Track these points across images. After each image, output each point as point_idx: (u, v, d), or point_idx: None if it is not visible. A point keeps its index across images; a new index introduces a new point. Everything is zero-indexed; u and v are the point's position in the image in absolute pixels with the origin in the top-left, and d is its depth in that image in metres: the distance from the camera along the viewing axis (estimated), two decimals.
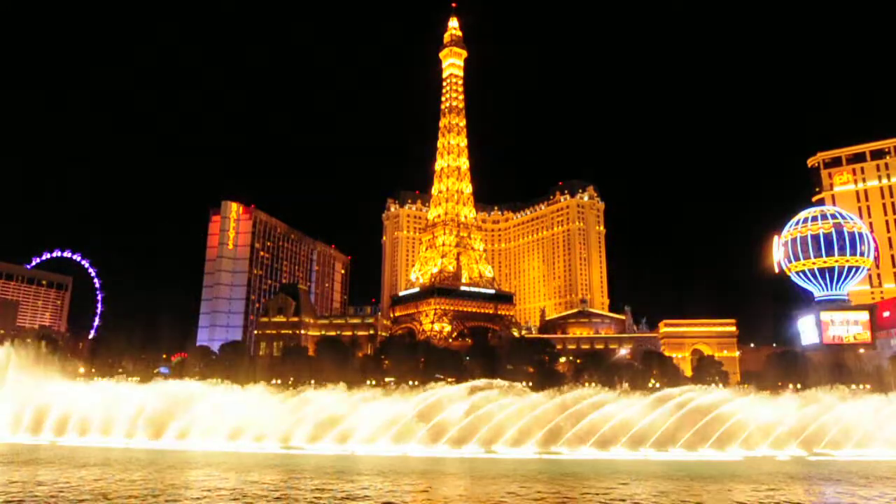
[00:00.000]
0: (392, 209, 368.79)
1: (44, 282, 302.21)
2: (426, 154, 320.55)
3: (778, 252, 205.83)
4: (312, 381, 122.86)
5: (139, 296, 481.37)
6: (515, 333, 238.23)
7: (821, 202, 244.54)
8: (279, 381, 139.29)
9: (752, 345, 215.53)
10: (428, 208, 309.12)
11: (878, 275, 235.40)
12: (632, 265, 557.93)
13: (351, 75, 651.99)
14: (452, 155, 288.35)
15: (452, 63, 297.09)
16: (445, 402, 67.63)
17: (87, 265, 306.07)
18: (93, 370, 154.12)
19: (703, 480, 43.79)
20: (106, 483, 37.16)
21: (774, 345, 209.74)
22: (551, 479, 43.44)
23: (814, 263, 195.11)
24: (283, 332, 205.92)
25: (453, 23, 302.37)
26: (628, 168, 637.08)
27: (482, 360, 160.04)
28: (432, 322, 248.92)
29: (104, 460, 48.51)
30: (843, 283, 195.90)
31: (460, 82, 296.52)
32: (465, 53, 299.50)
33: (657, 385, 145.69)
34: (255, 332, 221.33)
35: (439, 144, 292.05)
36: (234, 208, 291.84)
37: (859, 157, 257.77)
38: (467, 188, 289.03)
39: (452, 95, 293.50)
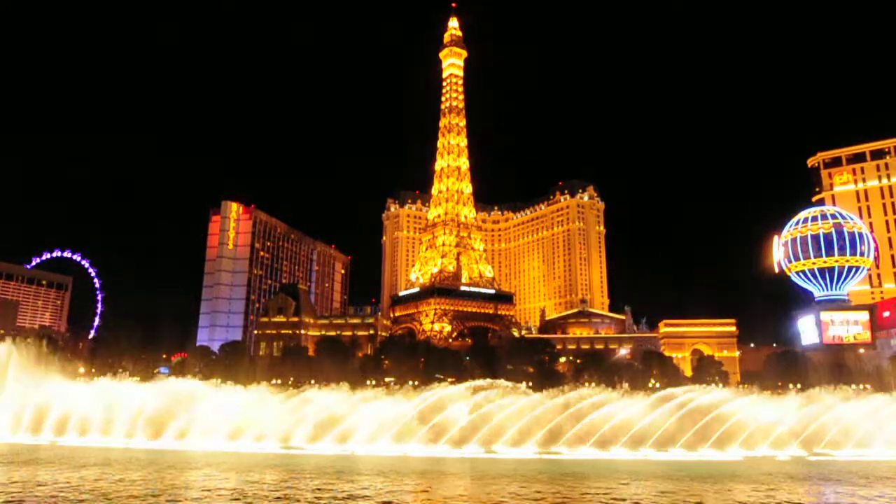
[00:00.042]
0: (392, 209, 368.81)
1: (44, 282, 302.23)
2: (426, 154, 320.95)
3: (778, 252, 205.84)
4: (312, 381, 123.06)
5: (139, 296, 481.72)
6: (515, 333, 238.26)
7: (821, 202, 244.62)
8: (279, 381, 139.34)
9: (752, 345, 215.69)
10: (428, 208, 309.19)
11: (878, 275, 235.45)
12: (632, 265, 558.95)
13: (351, 75, 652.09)
14: (452, 155, 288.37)
15: (452, 63, 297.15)
16: (447, 402, 67.58)
17: (87, 265, 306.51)
18: (93, 370, 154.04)
19: (703, 480, 43.79)
20: (106, 483, 37.15)
21: (774, 345, 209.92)
22: (551, 479, 43.43)
23: (814, 263, 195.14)
24: (283, 332, 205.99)
25: (453, 23, 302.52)
26: (628, 168, 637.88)
27: (482, 360, 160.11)
28: (432, 322, 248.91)
29: (104, 460, 48.50)
30: (843, 283, 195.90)
31: (460, 82, 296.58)
32: (465, 53, 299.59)
33: (657, 385, 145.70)
34: (255, 332, 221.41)
35: (439, 144, 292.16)
36: (234, 208, 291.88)
37: (859, 157, 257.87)
38: (467, 188, 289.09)
39: (452, 95, 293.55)
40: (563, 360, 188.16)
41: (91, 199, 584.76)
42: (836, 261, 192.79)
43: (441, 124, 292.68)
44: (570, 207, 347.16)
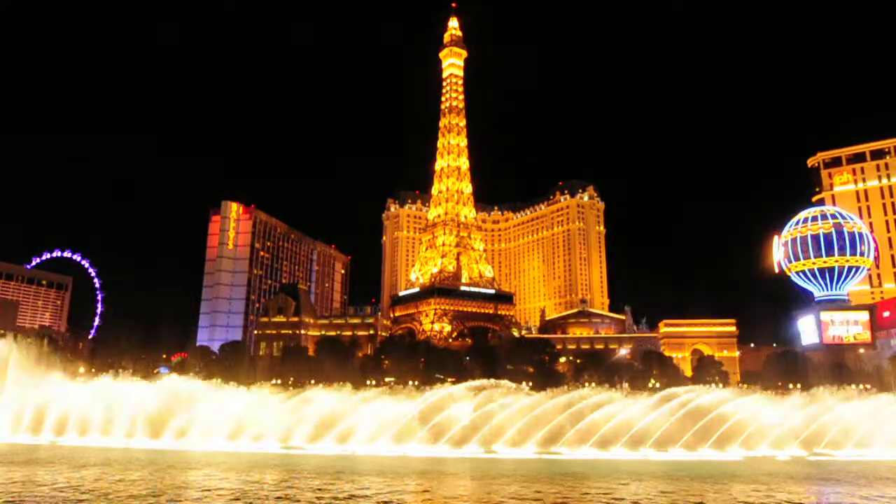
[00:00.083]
0: (392, 209, 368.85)
1: (44, 282, 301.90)
2: (426, 154, 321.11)
3: (778, 252, 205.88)
4: (312, 381, 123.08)
5: (139, 296, 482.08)
6: (515, 333, 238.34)
7: (821, 202, 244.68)
8: (279, 381, 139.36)
9: (752, 345, 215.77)
10: (428, 208, 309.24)
11: (878, 275, 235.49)
12: (632, 265, 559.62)
13: (351, 75, 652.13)
14: (452, 155, 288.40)
15: (452, 63, 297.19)
16: (450, 402, 67.52)
17: (87, 265, 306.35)
18: (93, 370, 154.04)
19: (704, 480, 43.76)
20: (106, 483, 37.13)
21: (774, 345, 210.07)
22: (551, 479, 43.41)
23: (814, 263, 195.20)
24: (283, 332, 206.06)
25: (453, 23, 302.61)
26: (628, 168, 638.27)
27: (482, 360, 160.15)
28: (432, 322, 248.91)
29: (104, 460, 48.47)
30: (843, 283, 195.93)
31: (460, 82, 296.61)
32: (465, 53, 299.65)
33: (657, 385, 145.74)
34: (255, 332, 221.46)
35: (439, 144, 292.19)
36: (234, 208, 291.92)
37: (859, 157, 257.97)
38: (467, 188, 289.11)
39: (452, 95, 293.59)
40: (563, 360, 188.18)
41: (91, 199, 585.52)
42: (836, 261, 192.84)
43: (441, 124, 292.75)
44: (570, 207, 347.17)
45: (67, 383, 74.30)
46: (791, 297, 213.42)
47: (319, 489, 36.53)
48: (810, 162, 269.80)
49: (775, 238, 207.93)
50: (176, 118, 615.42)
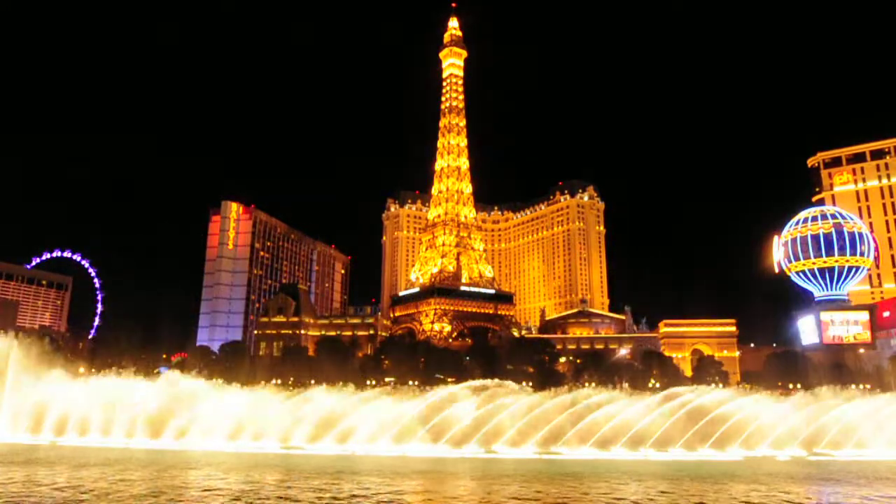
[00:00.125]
0: (392, 209, 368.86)
1: (44, 282, 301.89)
2: (426, 154, 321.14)
3: (778, 252, 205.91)
4: (312, 381, 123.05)
5: (139, 296, 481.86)
6: (515, 333, 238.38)
7: (821, 202, 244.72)
8: (279, 381, 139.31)
9: (752, 345, 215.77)
10: (428, 208, 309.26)
11: (878, 275, 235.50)
12: (632, 265, 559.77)
13: (351, 75, 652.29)
14: (452, 155, 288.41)
15: (452, 63, 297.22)
16: (452, 403, 67.53)
17: (87, 265, 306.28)
18: (93, 370, 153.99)
19: (704, 480, 43.77)
20: (106, 483, 37.12)
21: (774, 345, 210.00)
22: (551, 479, 43.43)
23: (814, 263, 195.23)
24: (283, 332, 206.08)
25: (453, 23, 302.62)
26: (628, 168, 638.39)
27: (482, 360, 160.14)
28: (432, 322, 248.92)
29: (104, 460, 48.47)
30: (843, 283, 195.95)
31: (460, 82, 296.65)
32: (465, 53, 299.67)
33: (657, 385, 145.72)
34: (255, 332, 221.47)
35: (439, 144, 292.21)
36: (234, 208, 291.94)
37: (859, 157, 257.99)
38: (467, 188, 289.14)
39: (452, 95, 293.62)
40: (563, 360, 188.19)
41: (91, 199, 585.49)
42: (836, 261, 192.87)
43: (441, 124, 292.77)
44: (570, 207, 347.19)
45: (68, 381, 74.14)
46: (791, 297, 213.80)
47: (320, 489, 36.53)
48: (810, 162, 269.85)
49: (775, 238, 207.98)
50: (176, 118, 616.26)
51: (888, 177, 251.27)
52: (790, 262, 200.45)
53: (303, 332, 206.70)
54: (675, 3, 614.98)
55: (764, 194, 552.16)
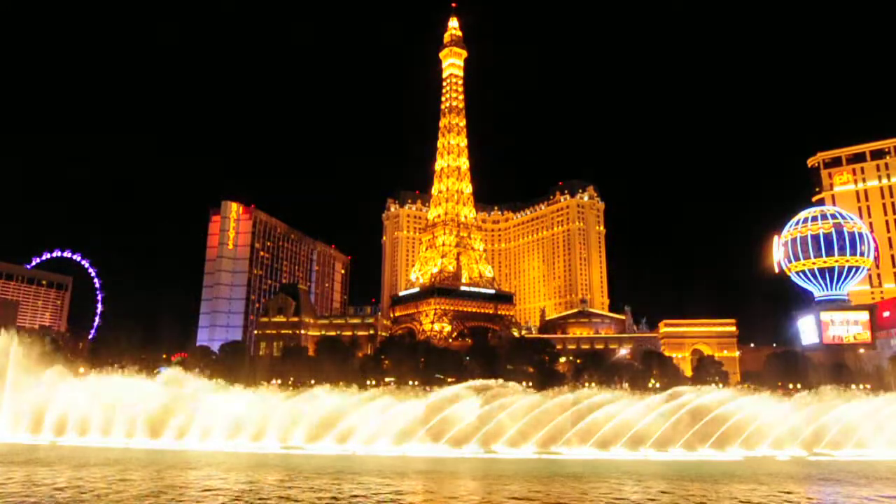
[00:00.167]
0: (392, 209, 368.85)
1: (44, 282, 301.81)
2: (426, 154, 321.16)
3: (778, 252, 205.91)
4: (312, 381, 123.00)
5: (139, 296, 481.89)
6: (515, 333, 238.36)
7: (821, 202, 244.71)
8: (279, 381, 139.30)
9: (752, 345, 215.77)
10: (428, 208, 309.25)
11: (878, 275, 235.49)
12: (632, 265, 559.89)
13: (351, 75, 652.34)
14: (452, 155, 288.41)
15: (452, 63, 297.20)
16: (454, 403, 67.53)
17: (87, 265, 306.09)
18: (93, 370, 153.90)
19: (704, 480, 43.78)
20: (106, 483, 37.12)
21: (774, 345, 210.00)
22: (551, 479, 43.43)
23: (814, 263, 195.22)
24: (283, 332, 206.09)
25: (453, 23, 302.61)
26: (628, 168, 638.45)
27: (482, 360, 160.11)
28: (432, 322, 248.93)
29: (104, 460, 48.47)
30: (843, 283, 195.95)
31: (460, 82, 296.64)
32: (465, 53, 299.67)
33: (657, 385, 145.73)
34: (255, 332, 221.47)
35: (439, 144, 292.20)
36: (234, 208, 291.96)
37: (859, 157, 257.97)
38: (467, 188, 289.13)
39: (452, 95, 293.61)
40: (563, 360, 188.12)
41: (91, 199, 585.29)
42: (836, 261, 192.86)
43: (441, 124, 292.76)
44: (570, 207, 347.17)
45: (68, 378, 74.07)
46: (791, 297, 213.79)
47: (320, 489, 36.53)
48: (810, 162, 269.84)
49: (775, 238, 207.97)
50: (176, 118, 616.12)
51: (888, 177, 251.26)
52: (790, 262, 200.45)
53: (303, 332, 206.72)
54: (675, 3, 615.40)
55: (764, 194, 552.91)
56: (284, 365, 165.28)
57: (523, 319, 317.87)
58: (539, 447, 62.99)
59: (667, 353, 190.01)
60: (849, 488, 40.75)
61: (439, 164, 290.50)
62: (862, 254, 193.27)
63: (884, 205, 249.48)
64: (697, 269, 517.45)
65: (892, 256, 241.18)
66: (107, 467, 44.35)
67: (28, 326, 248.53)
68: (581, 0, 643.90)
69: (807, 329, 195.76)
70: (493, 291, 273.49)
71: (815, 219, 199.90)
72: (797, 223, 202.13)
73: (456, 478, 45.28)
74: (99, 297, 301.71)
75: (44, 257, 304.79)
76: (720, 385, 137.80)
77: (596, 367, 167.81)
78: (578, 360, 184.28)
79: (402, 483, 40.88)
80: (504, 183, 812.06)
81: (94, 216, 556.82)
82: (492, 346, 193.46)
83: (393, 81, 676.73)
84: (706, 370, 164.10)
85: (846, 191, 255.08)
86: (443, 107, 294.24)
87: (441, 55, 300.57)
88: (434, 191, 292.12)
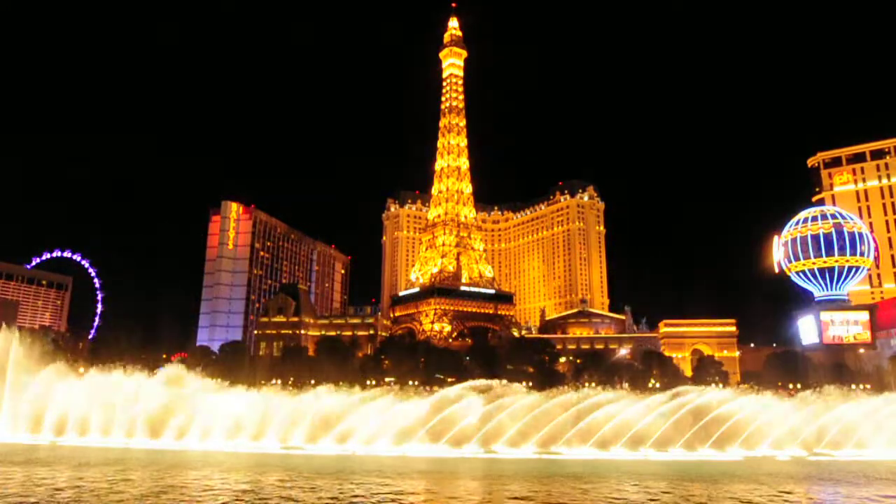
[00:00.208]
0: (392, 209, 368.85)
1: (44, 282, 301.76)
2: (426, 154, 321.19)
3: (778, 252, 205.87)
4: (312, 382, 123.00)
5: (139, 296, 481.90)
6: (515, 333, 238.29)
7: (821, 202, 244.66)
8: (279, 381, 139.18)
9: (752, 345, 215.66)
10: (428, 208, 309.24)
11: (878, 275, 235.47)
12: (632, 265, 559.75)
13: (351, 75, 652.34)
14: (452, 155, 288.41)
15: (452, 63, 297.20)
16: (455, 403, 67.52)
17: (87, 265, 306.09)
18: (93, 370, 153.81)
19: (704, 480, 43.79)
20: (106, 483, 37.12)
21: (774, 345, 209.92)
22: (551, 479, 43.44)
23: (814, 263, 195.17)
24: (283, 332, 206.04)
25: (453, 23, 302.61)
26: (628, 168, 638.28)
27: (482, 360, 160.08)
28: (432, 322, 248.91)
29: (104, 460, 48.46)
30: (843, 283, 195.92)
31: (460, 82, 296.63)
32: (465, 53, 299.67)
33: (657, 385, 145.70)
34: (255, 332, 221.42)
35: (439, 144, 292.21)
36: (234, 208, 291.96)
37: (859, 157, 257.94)
38: (467, 188, 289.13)
39: (452, 95, 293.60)
40: (563, 360, 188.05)
41: (91, 199, 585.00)
42: (836, 261, 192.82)
43: (441, 124, 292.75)
44: (570, 207, 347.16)
45: (67, 376, 74.02)
46: (791, 297, 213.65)
47: (320, 489, 36.53)
48: (810, 162, 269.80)
49: (775, 238, 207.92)
50: (176, 118, 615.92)
51: (888, 177, 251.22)
52: (790, 262, 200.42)
53: (303, 332, 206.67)
54: (675, 3, 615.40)
55: (764, 194, 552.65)
56: (284, 365, 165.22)
57: (523, 319, 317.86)
58: (539, 447, 62.99)
59: (667, 353, 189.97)
60: (849, 488, 40.77)
61: (439, 164, 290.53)
62: (862, 254, 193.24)
63: (884, 205, 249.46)
64: (697, 269, 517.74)
65: (892, 256, 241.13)
66: (107, 467, 44.34)
67: (28, 326, 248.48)
68: (581, 0, 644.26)
69: (807, 329, 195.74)
70: (493, 291, 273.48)
71: (815, 219, 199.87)
72: (797, 223, 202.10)
73: (456, 478, 45.29)
74: (99, 297, 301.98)
75: (44, 257, 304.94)
76: (720, 385, 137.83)
77: (596, 367, 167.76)
78: (578, 360, 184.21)
79: (403, 483, 40.88)
80: (504, 183, 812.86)
81: (94, 216, 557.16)
82: (492, 346, 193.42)
83: (393, 81, 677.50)
84: (706, 370, 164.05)
85: (846, 191, 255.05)
86: (443, 107, 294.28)
87: (441, 55, 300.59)
88: (434, 191, 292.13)
